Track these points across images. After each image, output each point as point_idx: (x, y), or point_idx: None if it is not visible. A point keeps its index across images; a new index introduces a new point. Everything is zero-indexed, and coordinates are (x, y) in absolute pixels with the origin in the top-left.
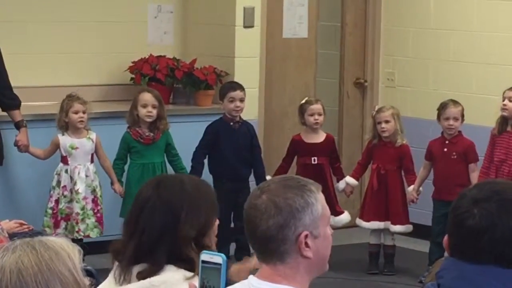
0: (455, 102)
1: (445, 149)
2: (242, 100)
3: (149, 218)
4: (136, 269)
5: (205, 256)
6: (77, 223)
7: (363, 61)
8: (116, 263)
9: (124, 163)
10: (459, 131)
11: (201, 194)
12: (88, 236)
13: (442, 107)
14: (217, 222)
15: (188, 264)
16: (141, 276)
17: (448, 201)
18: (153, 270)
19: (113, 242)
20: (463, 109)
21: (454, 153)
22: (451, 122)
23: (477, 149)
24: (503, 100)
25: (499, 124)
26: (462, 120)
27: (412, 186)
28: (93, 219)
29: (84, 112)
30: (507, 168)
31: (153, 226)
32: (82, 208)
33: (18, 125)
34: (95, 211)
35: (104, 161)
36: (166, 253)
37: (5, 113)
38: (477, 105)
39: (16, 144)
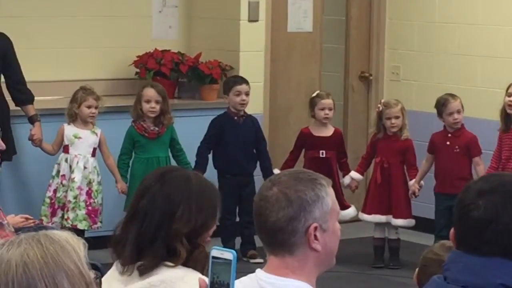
0: (453, 96)
1: (448, 143)
2: (247, 94)
3: (149, 208)
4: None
5: (215, 252)
6: (67, 211)
7: (368, 55)
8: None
9: (129, 158)
10: (462, 124)
11: (205, 196)
12: (75, 226)
13: (443, 104)
14: (215, 227)
15: (174, 256)
16: (142, 269)
17: (450, 194)
18: (152, 264)
19: (116, 227)
20: (461, 100)
21: (456, 147)
22: (456, 116)
23: (481, 143)
24: (509, 96)
25: (504, 121)
26: (463, 111)
27: (414, 179)
28: (83, 211)
29: (96, 108)
30: None
31: (152, 216)
32: (75, 197)
33: (32, 120)
34: (87, 203)
35: (108, 158)
36: (164, 246)
37: (17, 108)
38: (482, 99)
39: (30, 138)
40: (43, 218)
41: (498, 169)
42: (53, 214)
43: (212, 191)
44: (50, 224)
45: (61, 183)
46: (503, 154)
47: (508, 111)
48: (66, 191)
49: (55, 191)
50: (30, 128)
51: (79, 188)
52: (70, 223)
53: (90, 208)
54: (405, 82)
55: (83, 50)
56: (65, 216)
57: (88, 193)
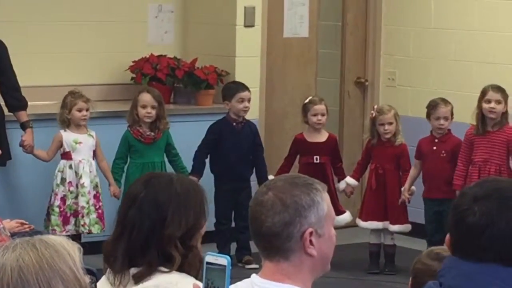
0: (445, 101)
1: (434, 148)
2: (249, 100)
3: (137, 216)
4: (131, 272)
5: (209, 257)
6: (82, 217)
7: (364, 60)
8: (108, 269)
9: (124, 163)
10: (448, 130)
11: (190, 195)
12: (90, 231)
13: (432, 107)
14: (205, 224)
15: (169, 262)
16: (137, 277)
17: (438, 199)
18: (148, 272)
19: (104, 243)
20: (452, 108)
21: (443, 152)
22: (442, 121)
23: None
24: (489, 103)
25: (480, 124)
26: (452, 118)
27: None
28: (94, 215)
29: (87, 110)
30: (493, 167)
31: (141, 225)
32: (87, 202)
33: (24, 126)
34: (97, 207)
35: (101, 161)
36: (157, 253)
37: (11, 113)
38: None
39: (21, 144)
40: (56, 228)
41: (472, 171)
42: (66, 222)
43: (196, 189)
44: (64, 233)
45: (69, 190)
46: (477, 157)
47: (490, 116)
48: (76, 198)
49: (62, 199)
50: (21, 135)
51: (89, 192)
52: (88, 228)
53: (100, 211)
54: (401, 88)
55: (78, 55)
56: (81, 222)
57: (96, 197)
